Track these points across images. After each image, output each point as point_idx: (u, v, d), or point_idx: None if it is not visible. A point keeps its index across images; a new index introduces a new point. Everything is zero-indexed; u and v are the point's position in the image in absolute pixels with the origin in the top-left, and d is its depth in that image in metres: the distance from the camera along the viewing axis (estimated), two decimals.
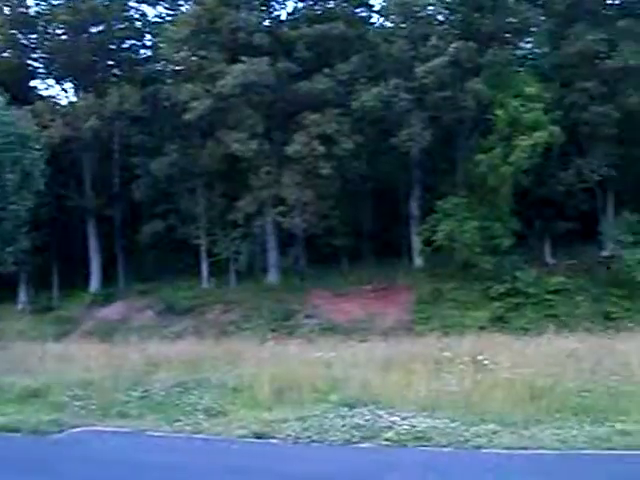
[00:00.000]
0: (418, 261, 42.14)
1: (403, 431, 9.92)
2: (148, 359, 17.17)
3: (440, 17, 43.51)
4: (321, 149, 38.44)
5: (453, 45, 38.37)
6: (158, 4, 48.38)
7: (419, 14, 41.35)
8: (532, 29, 43.37)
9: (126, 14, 47.71)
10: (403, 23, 41.24)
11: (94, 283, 45.97)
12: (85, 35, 45.73)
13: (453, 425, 10.06)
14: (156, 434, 11.09)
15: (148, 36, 49.04)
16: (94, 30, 46.19)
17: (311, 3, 44.20)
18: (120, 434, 11.27)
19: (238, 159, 40.83)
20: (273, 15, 44.46)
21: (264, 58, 39.15)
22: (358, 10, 44.75)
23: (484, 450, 9.19)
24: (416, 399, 11.45)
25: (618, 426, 9.46)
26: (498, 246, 38.67)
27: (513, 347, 17.42)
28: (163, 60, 46.36)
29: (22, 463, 9.78)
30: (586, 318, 36.49)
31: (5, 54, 47.77)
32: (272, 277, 42.74)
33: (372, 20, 45.60)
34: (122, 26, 47.60)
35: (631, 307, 37.48)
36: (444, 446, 9.42)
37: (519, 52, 45.09)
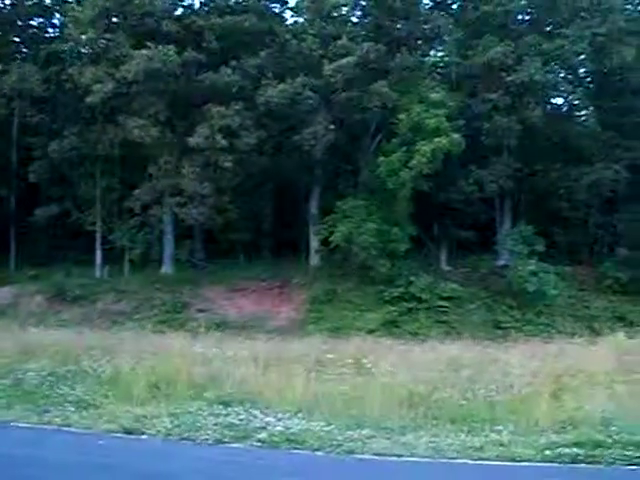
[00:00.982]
0: (315, 260, 41.97)
1: (276, 432, 9.64)
2: (26, 346, 16.33)
3: (353, 19, 43.87)
4: (223, 142, 37.99)
5: (362, 46, 38.46)
6: None
7: (332, 13, 41.48)
8: (443, 37, 43.91)
9: None
10: (315, 21, 41.08)
11: None
12: None
13: (328, 428, 9.79)
14: (22, 425, 10.46)
15: (58, 15, 47.58)
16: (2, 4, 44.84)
17: None
18: None
19: (139, 146, 40.00)
20: (185, 3, 43.75)
21: (171, 46, 38.43)
22: (272, 5, 44.53)
23: (357, 455, 8.94)
24: (293, 400, 11.16)
25: (493, 436, 9.37)
26: (395, 250, 38.86)
27: (398, 352, 17.33)
28: (71, 41, 44.92)
29: None
30: (477, 326, 37.26)
31: None
32: (167, 268, 41.98)
33: (285, 16, 45.41)
34: (31, 2, 46.21)
35: (520, 317, 38.32)
36: (316, 450, 9.16)
37: (429, 59, 45.59)
